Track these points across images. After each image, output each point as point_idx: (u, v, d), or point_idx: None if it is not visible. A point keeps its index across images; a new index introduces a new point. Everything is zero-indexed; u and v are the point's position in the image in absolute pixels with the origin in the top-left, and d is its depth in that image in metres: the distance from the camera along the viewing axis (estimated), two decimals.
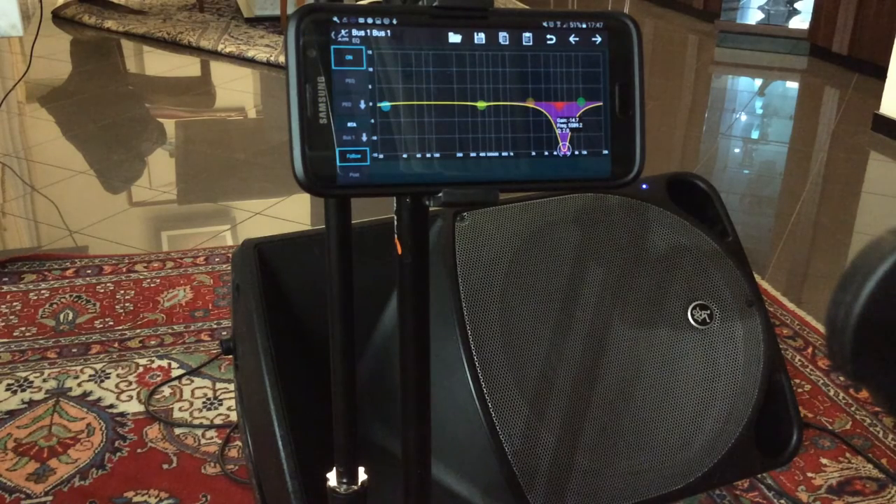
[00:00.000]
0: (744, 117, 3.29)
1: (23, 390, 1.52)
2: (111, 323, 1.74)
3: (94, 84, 3.50)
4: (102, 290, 1.86)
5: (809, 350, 1.72)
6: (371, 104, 0.37)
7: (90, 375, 1.57)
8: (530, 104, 0.40)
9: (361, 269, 0.74)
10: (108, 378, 1.56)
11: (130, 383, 1.55)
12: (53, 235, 2.17)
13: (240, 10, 4.45)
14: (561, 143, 0.42)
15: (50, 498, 1.28)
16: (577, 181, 0.42)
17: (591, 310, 1.08)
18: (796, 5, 4.50)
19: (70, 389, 1.53)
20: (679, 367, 1.10)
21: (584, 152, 0.42)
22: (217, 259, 2.02)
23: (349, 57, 0.37)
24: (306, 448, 0.96)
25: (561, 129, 0.41)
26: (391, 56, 0.38)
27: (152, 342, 1.68)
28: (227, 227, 2.30)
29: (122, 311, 1.78)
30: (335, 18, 0.37)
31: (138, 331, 1.72)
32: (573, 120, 0.42)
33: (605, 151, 0.42)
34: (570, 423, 1.03)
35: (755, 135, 3.12)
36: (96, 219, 2.26)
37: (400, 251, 0.55)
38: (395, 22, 0.38)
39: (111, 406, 1.49)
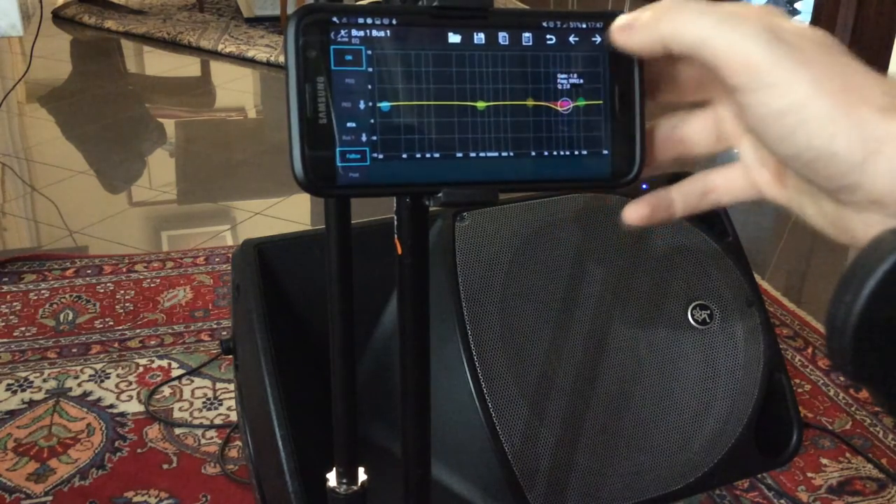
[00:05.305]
0: None
1: (23, 390, 1.52)
2: (111, 323, 1.74)
3: (94, 84, 3.50)
4: (102, 290, 1.86)
5: (809, 350, 1.72)
6: (371, 104, 0.37)
7: (90, 375, 1.57)
8: (530, 104, 0.40)
9: (361, 269, 0.74)
10: (108, 378, 1.56)
11: (130, 383, 1.55)
12: (53, 235, 2.17)
13: (240, 10, 4.45)
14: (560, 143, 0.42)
15: (50, 498, 1.28)
16: (577, 181, 0.42)
17: (591, 310, 1.08)
18: (796, 5, 4.50)
19: (70, 389, 1.53)
20: (679, 367, 1.09)
21: (584, 152, 0.42)
22: (217, 259, 2.02)
23: (349, 57, 0.37)
24: (306, 448, 0.96)
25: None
26: (391, 56, 0.38)
27: (152, 342, 1.68)
28: (227, 227, 2.30)
29: (122, 311, 1.78)
30: (334, 19, 0.37)
31: (138, 331, 1.72)
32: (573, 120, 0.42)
33: (605, 151, 0.42)
34: (571, 423, 1.03)
35: None
36: (96, 219, 2.26)
37: (400, 251, 0.55)
38: (394, 22, 0.38)
39: (111, 406, 1.49)
